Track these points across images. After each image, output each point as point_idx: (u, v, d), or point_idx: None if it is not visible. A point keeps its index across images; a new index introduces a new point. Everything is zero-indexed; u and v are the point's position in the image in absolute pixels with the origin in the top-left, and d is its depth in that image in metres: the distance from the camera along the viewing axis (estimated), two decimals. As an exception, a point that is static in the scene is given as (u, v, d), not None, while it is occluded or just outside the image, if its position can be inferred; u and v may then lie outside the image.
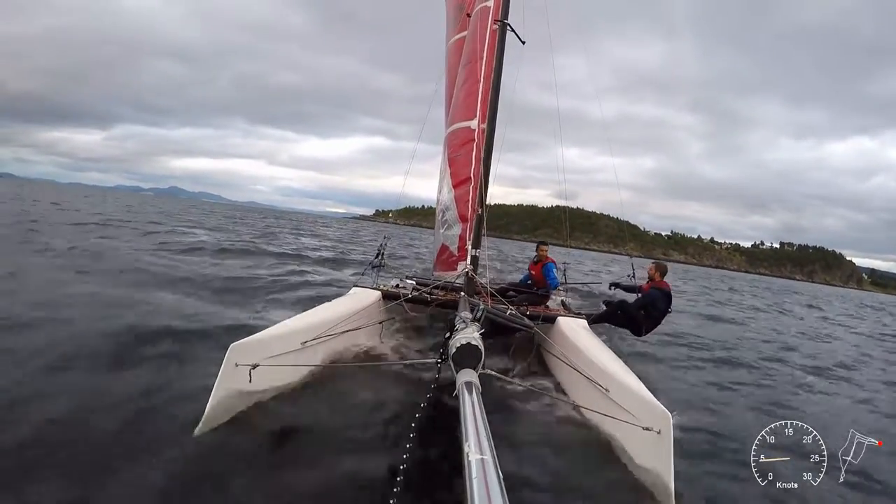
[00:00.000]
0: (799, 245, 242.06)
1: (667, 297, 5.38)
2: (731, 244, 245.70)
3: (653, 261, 5.81)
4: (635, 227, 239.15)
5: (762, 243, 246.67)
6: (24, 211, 17.65)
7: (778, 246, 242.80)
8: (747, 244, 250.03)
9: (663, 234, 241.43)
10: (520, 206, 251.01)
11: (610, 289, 6.43)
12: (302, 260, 13.12)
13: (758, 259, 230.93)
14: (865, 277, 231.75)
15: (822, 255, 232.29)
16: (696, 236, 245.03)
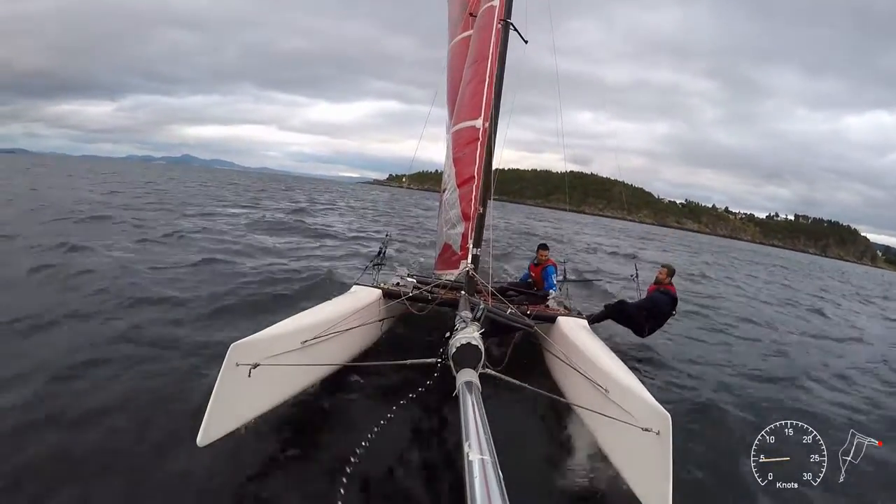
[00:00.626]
0: (814, 218, 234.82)
1: (671, 300, 5.38)
2: (745, 214, 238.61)
3: (662, 264, 5.79)
4: (649, 194, 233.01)
5: (777, 215, 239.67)
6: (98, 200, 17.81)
7: (793, 218, 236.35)
8: (762, 215, 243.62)
9: (677, 202, 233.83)
10: (534, 172, 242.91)
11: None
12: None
13: (772, 231, 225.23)
14: (880, 254, 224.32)
15: (836, 230, 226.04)
16: (710, 205, 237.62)
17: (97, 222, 11.81)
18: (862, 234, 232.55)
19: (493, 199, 5.88)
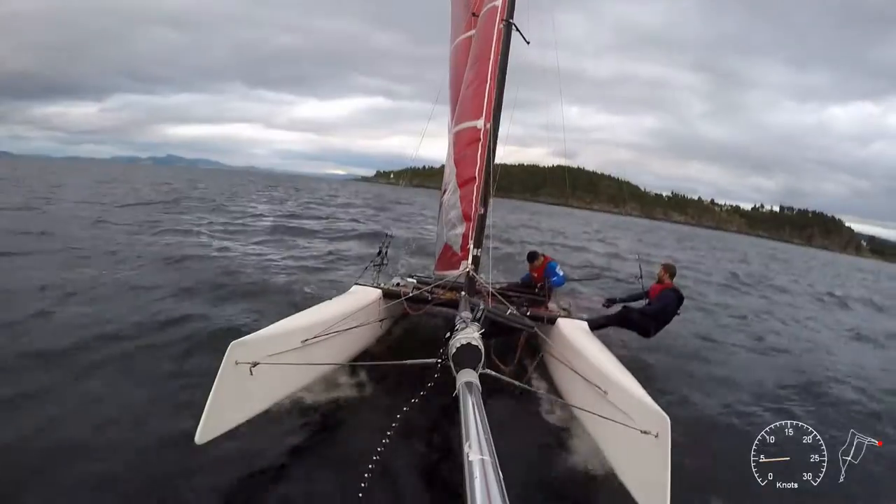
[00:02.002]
0: (799, 210, 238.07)
1: (679, 298, 5.37)
2: (731, 206, 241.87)
3: (662, 263, 5.78)
4: (636, 187, 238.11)
5: (762, 206, 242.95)
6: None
7: (778, 209, 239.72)
8: (748, 206, 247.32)
9: (664, 194, 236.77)
10: (521, 166, 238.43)
11: (606, 305, 6.23)
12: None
13: (757, 222, 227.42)
14: (864, 244, 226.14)
15: (821, 221, 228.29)
16: (696, 197, 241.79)
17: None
18: (847, 224, 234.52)
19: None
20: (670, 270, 5.61)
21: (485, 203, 5.65)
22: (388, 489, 2.47)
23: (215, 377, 2.71)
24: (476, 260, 5.64)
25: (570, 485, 2.98)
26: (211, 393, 2.65)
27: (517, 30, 6.16)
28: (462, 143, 5.62)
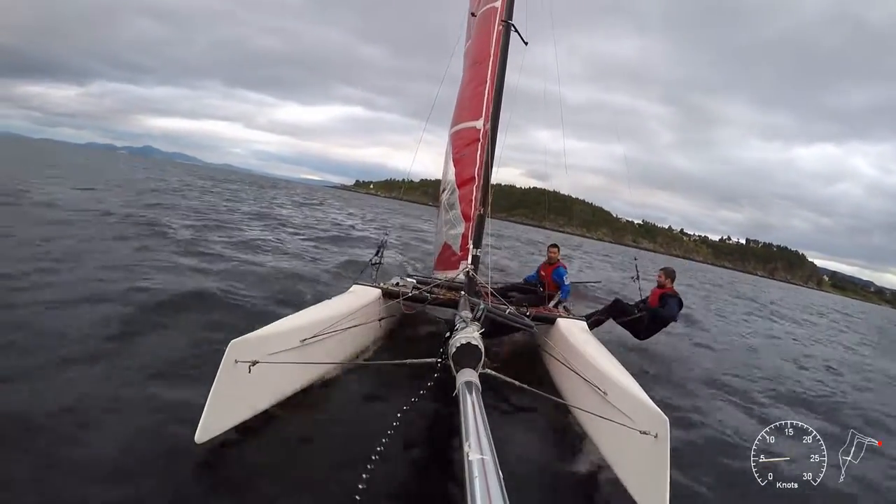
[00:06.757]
0: (764, 243, 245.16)
1: (679, 303, 5.37)
2: (699, 236, 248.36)
3: (661, 268, 5.79)
4: (607, 213, 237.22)
5: (729, 238, 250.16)
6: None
7: (744, 242, 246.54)
8: (715, 237, 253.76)
9: (635, 221, 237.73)
10: (497, 185, 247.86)
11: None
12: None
13: (723, 253, 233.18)
14: (826, 279, 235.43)
15: (785, 254, 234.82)
16: (666, 226, 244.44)
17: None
18: (810, 259, 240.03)
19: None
20: (670, 275, 5.59)
21: (484, 203, 5.66)
22: (387, 489, 2.46)
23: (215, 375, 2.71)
24: (476, 260, 5.64)
25: (569, 485, 2.97)
26: (210, 391, 2.65)
27: (515, 31, 6.17)
28: (461, 144, 5.63)
